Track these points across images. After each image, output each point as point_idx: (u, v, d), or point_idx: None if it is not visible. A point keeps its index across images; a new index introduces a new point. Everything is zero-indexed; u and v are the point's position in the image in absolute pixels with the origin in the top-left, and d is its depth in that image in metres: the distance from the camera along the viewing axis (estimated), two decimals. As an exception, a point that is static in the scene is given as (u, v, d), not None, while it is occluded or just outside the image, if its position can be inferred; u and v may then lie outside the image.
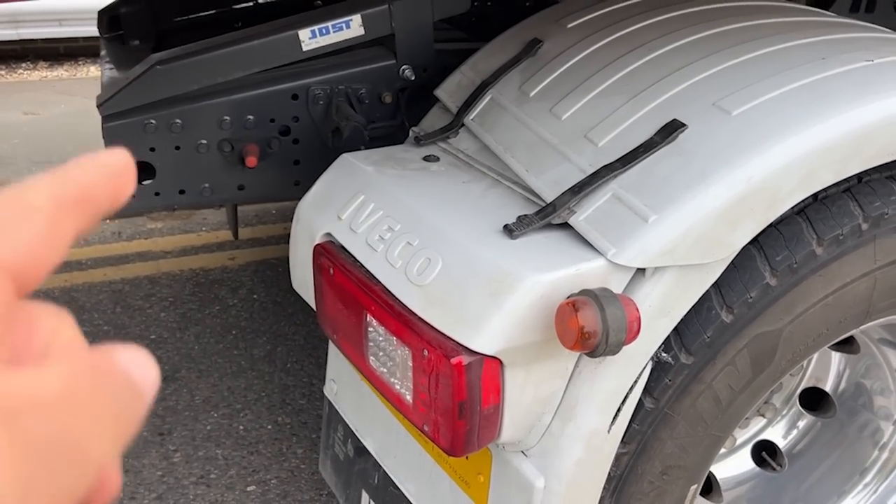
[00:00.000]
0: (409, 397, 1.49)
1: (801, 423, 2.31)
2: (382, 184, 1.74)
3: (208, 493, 2.98)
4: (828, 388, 2.26)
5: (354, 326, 1.62)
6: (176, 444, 3.20)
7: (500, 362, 1.37)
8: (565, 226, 1.50)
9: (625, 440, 1.52)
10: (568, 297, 1.31)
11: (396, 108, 2.35)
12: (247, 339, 3.90)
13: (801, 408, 2.29)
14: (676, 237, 1.37)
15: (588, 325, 1.26)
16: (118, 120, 2.13)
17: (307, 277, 1.85)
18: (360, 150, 2.18)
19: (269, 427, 3.26)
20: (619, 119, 1.62)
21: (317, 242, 1.78)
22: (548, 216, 1.50)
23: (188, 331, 3.99)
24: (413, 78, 2.31)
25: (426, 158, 1.91)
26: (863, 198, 1.55)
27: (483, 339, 1.34)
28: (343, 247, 1.70)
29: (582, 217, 1.48)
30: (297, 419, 3.24)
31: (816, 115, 1.41)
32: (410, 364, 1.46)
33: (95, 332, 3.80)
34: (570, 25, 2.01)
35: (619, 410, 1.49)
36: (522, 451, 1.54)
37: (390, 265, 1.55)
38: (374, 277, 1.58)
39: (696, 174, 1.41)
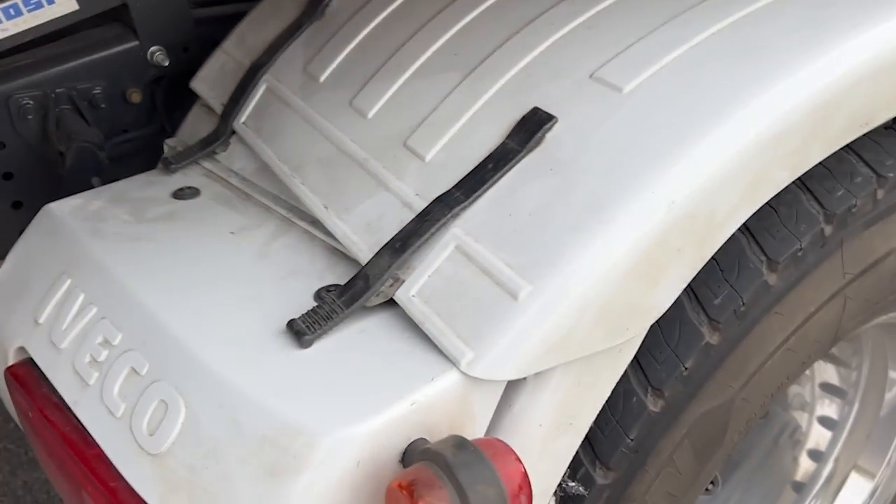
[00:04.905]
0: None
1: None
2: (97, 257, 1.08)
3: None
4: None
5: (75, 499, 0.99)
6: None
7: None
8: (390, 303, 0.92)
9: None
10: (397, 476, 0.72)
11: (152, 108, 1.65)
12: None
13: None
14: (568, 319, 0.81)
15: (441, 525, 0.69)
16: None
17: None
18: (91, 183, 1.49)
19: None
20: (452, 112, 1.02)
21: (10, 363, 1.11)
22: (358, 297, 0.90)
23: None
24: (167, 63, 1.61)
25: (177, 194, 1.25)
26: (818, 187, 1.04)
27: (261, 563, 0.75)
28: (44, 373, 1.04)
29: (414, 291, 0.89)
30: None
31: (754, 82, 0.88)
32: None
33: None
34: (366, -33, 1.38)
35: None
36: None
37: (109, 412, 0.92)
38: (89, 433, 0.94)
39: (583, 204, 0.84)
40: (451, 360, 0.82)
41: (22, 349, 1.09)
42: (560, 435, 0.90)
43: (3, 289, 1.17)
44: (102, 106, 1.58)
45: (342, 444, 0.76)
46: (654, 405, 0.97)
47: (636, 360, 0.97)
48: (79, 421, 0.96)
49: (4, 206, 1.57)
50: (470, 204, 0.91)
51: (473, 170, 0.94)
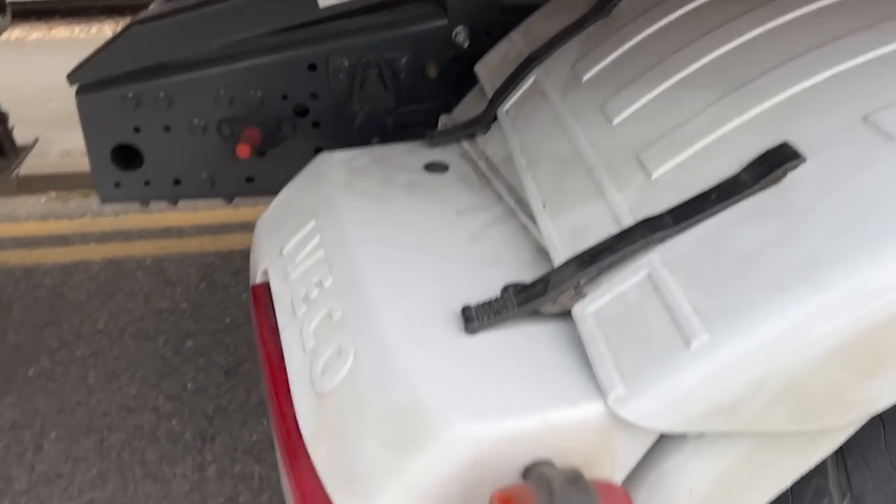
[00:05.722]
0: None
1: None
2: (339, 206, 1.18)
3: (232, 518, 2.59)
4: None
5: (270, 409, 1.11)
6: (215, 453, 2.88)
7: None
8: (567, 315, 0.88)
9: None
10: (502, 488, 0.70)
11: (444, 84, 1.76)
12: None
13: None
14: (741, 386, 0.70)
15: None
16: (92, 92, 1.73)
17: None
18: (372, 143, 1.64)
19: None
20: (696, 132, 0.94)
21: (257, 281, 1.27)
22: (532, 299, 0.87)
23: (264, 317, 3.59)
24: (467, 45, 1.70)
25: (428, 167, 1.32)
26: None
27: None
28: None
29: (593, 309, 0.84)
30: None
31: None
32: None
33: (172, 310, 3.59)
34: (665, -30, 1.31)
35: None
36: None
37: (302, 345, 1.01)
38: (284, 360, 1.04)
39: (799, 260, 0.72)
40: (600, 391, 0.77)
41: (266, 272, 1.25)
42: (714, 511, 0.79)
43: (272, 216, 1.35)
44: (402, 76, 1.72)
45: (462, 440, 0.75)
46: (849, 515, 0.81)
47: (842, 458, 0.81)
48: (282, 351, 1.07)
49: (308, 150, 1.79)
50: (677, 232, 0.83)
51: (694, 197, 0.85)
